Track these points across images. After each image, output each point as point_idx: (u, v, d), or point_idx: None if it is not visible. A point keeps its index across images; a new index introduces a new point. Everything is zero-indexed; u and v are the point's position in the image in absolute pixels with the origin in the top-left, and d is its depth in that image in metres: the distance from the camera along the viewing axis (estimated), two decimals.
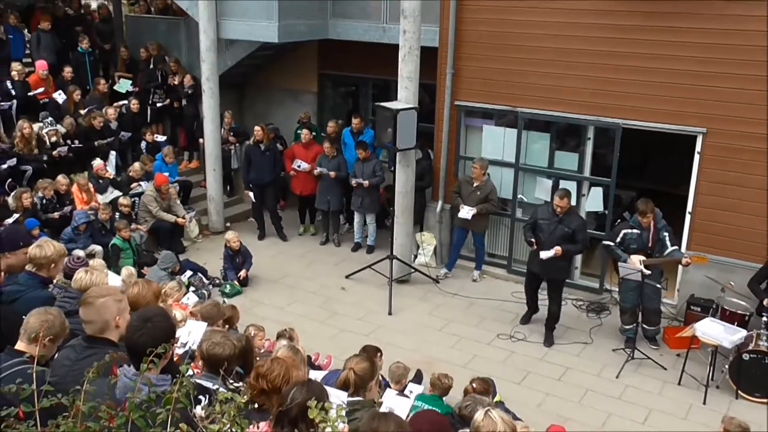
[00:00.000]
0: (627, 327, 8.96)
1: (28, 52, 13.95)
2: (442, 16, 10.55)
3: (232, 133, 13.15)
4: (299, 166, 11.94)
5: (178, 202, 11.87)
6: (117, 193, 11.63)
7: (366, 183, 11.33)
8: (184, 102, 13.69)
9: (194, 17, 12.58)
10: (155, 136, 13.12)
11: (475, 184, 10.35)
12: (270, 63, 14.06)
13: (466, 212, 10.19)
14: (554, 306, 9.00)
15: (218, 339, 3.97)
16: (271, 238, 12.38)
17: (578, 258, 10.39)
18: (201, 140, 13.09)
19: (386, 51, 11.38)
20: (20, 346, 4.01)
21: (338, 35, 12.12)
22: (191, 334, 5.21)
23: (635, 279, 8.28)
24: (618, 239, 8.54)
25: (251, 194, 12.17)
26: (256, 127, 12.08)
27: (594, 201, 9.97)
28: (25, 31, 14.33)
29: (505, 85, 10.22)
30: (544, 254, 8.61)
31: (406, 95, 9.90)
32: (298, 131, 12.96)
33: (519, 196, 10.52)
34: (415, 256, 11.19)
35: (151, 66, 14.05)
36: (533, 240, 8.77)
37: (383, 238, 11.75)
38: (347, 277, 10.79)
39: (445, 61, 10.61)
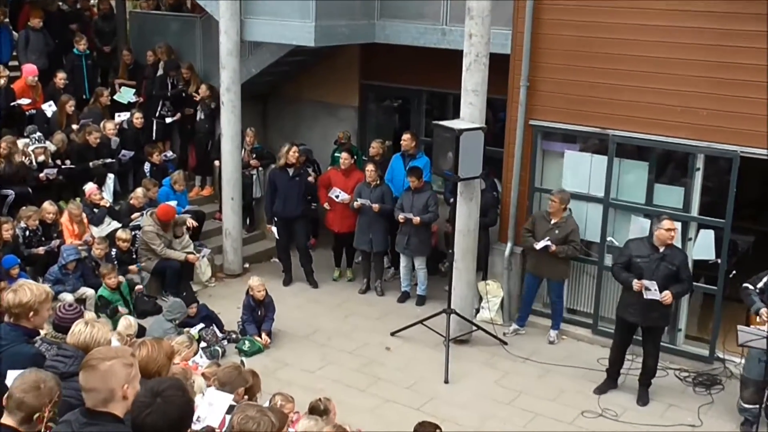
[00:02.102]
0: (748, 406, 8.67)
1: (14, 54, 14.31)
2: (515, 17, 10.56)
3: (254, 155, 13.25)
4: (336, 197, 11.95)
5: (188, 237, 11.95)
6: (115, 224, 11.75)
7: (416, 219, 11.27)
8: (198, 116, 13.87)
9: (213, 15, 12.78)
10: (162, 156, 13.29)
11: (552, 221, 10.24)
12: (302, 71, 14.19)
13: (540, 244, 10.11)
14: (651, 360, 9.16)
15: (253, 413, 3.89)
16: (299, 284, 12.38)
17: (683, 317, 10.13)
18: (216, 162, 13.20)
19: (445, 58, 11.40)
20: (7, 420, 3.95)
21: (387, 38, 12.19)
22: (212, 406, 5.12)
23: (760, 346, 8.00)
24: (761, 284, 8.36)
25: (275, 229, 12.19)
26: (285, 147, 12.11)
27: (703, 247, 9.75)
28: (11, 29, 14.71)
29: (592, 101, 10.14)
30: (651, 295, 8.62)
31: (471, 112, 9.87)
32: (335, 154, 13.03)
33: (608, 238, 10.37)
34: (478, 311, 11.10)
35: (159, 72, 14.30)
36: (634, 280, 8.73)
37: (437, 287, 11.65)
38: (393, 334, 10.70)
39: (518, 72, 10.58)
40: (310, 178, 12.61)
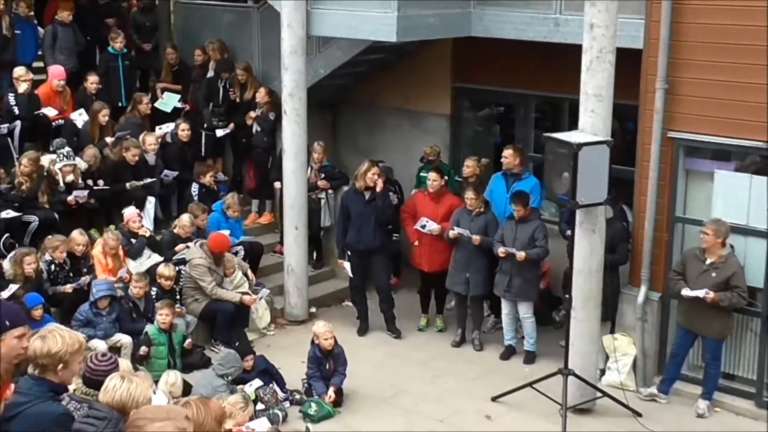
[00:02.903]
0: None
1: (40, 53, 14.67)
2: (649, 4, 10.33)
3: (322, 175, 13.25)
4: (423, 227, 11.85)
5: (241, 274, 11.96)
6: (156, 258, 11.84)
7: (521, 254, 11.08)
8: (254, 128, 13.95)
9: (274, 5, 12.89)
10: (217, 176, 13.37)
11: (708, 261, 9.94)
12: (381, 72, 14.18)
13: (694, 293, 9.82)
14: None
15: None
16: (377, 333, 12.31)
17: None
18: (277, 184, 13.24)
19: (559, 55, 11.27)
20: None
21: (485, 31, 12.10)
22: None
23: None
24: None
25: (349, 266, 12.13)
26: (364, 167, 12.04)
27: None
28: (36, 24, 15.11)
29: (751, 108, 9.81)
30: None
31: (593, 122, 9.68)
32: (422, 174, 12.93)
33: None
34: (603, 372, 10.86)
35: (210, 74, 14.43)
36: None
37: (551, 341, 11.47)
38: (494, 399, 10.51)
39: (653, 71, 10.34)
40: (391, 203, 12.52)
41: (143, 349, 10.48)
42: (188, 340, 11.00)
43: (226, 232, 12.14)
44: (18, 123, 12.77)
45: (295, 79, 12.34)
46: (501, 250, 11.21)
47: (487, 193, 12.09)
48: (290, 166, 12.53)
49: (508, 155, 11.97)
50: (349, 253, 12.11)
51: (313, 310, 12.83)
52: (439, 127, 14.02)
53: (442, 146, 13.58)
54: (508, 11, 11.86)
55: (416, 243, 12.15)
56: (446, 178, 12.38)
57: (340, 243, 12.23)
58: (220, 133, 14.16)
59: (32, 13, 14.79)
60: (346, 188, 12.82)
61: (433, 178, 12.09)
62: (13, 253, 10.82)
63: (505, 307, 11.60)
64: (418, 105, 14.10)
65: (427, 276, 12.34)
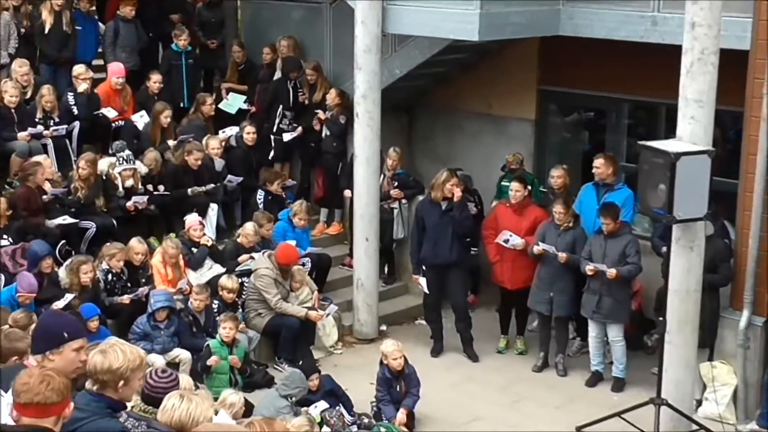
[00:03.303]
0: None
1: (100, 50, 14.96)
2: (757, 2, 10.18)
3: (396, 183, 13.29)
4: (505, 241, 11.82)
5: (308, 289, 12.06)
6: (217, 269, 11.99)
7: (612, 272, 10.99)
8: (324, 131, 14.06)
9: (348, 1, 12.93)
10: (284, 182, 13.52)
11: None
12: (460, 73, 14.19)
13: None
14: None
15: None
16: (452, 355, 12.29)
17: None
18: (347, 192, 13.31)
19: (656, 56, 11.21)
20: None
21: (575, 30, 12.04)
22: None
23: None
24: None
25: (423, 282, 12.12)
26: (443, 176, 12.00)
27: None
28: (97, 20, 15.39)
29: None
30: None
31: (693, 130, 9.57)
32: (504, 183, 12.90)
33: None
34: (700, 403, 10.73)
35: (279, 74, 14.56)
36: None
37: (642, 367, 11.35)
38: (579, 429, 10.40)
39: (760, 75, 10.20)
40: (469, 214, 12.49)
41: (213, 359, 10.57)
42: (232, 357, 10.85)
43: (293, 243, 12.25)
44: (77, 124, 13.07)
45: (369, 80, 12.39)
46: (589, 267, 11.11)
47: (576, 205, 12.00)
48: (362, 173, 12.58)
49: (599, 164, 11.85)
50: (423, 267, 12.08)
51: (384, 328, 12.86)
52: (522, 133, 13.98)
53: (525, 154, 13.51)
54: (600, 8, 11.78)
55: (496, 259, 12.12)
56: (530, 188, 12.33)
57: (415, 257, 12.21)
58: (287, 137, 14.27)
59: (93, 8, 15.08)
60: (421, 198, 12.81)
61: (515, 189, 12.03)
62: (69, 261, 11.05)
63: (592, 330, 11.50)
64: (500, 109, 14.07)
65: (507, 294, 12.29)
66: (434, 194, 11.99)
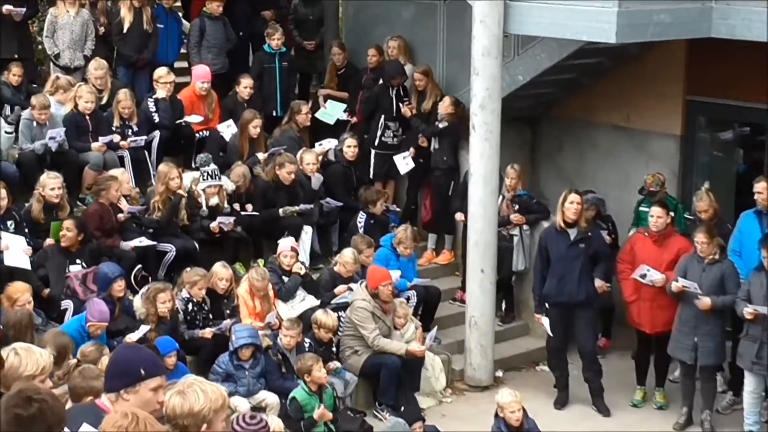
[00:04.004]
0: None
1: (183, 51, 15.18)
2: None
3: (516, 206, 13.19)
4: (642, 276, 11.64)
5: (413, 327, 12.02)
6: (311, 301, 12.02)
7: None
8: (433, 145, 14.04)
9: None
10: (385, 204, 13.53)
11: None
12: (594, 81, 14.12)
13: None
14: None
15: None
16: (579, 407, 12.17)
17: None
18: (460, 216, 13.25)
19: None
20: None
21: (730, 32, 11.80)
22: None
23: None
24: None
25: (546, 322, 12.00)
26: (569, 198, 11.85)
27: None
28: (181, 18, 15.67)
29: None
30: None
31: None
32: (643, 208, 12.73)
33: None
34: None
35: (385, 81, 14.54)
36: None
37: None
38: None
39: None
40: (603, 244, 12.35)
41: (319, 413, 10.31)
42: (318, 410, 10.48)
43: (396, 273, 12.21)
44: (157, 133, 13.30)
45: (488, 87, 12.31)
46: (749, 311, 10.84)
47: (736, 237, 11.82)
48: (477, 193, 12.48)
49: (761, 189, 11.61)
50: (547, 305, 11.97)
51: (500, 373, 12.79)
52: (665, 150, 13.82)
53: (668, 174, 13.34)
54: (759, 6, 11.51)
55: (632, 298, 11.93)
56: (672, 214, 12.12)
57: (537, 293, 12.10)
58: (402, 163, 14.04)
59: (178, 4, 15.27)
60: (545, 224, 12.71)
61: (656, 215, 11.86)
62: (146, 288, 11.16)
63: (749, 383, 11.21)
64: (640, 122, 13.94)
65: (645, 338, 12.12)
66: (559, 220, 11.88)
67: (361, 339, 11.69)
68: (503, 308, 13.55)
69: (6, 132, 12.28)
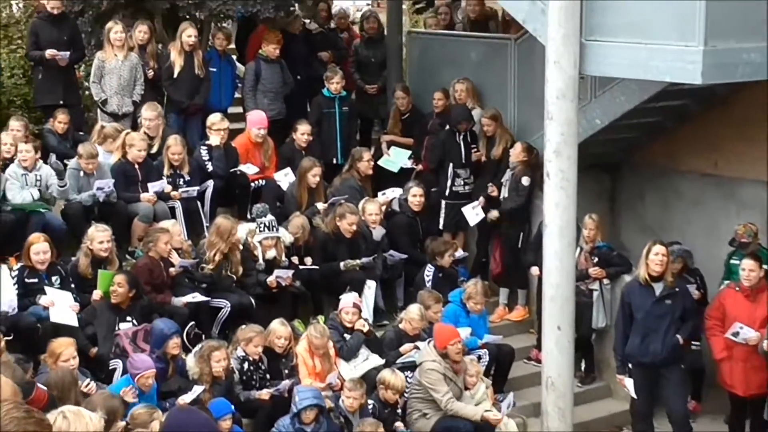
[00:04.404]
0: None
1: (238, 96, 15.34)
2: None
3: (596, 259, 13.17)
4: (735, 334, 11.56)
5: (484, 387, 11.99)
6: (375, 360, 12.03)
7: None
8: (503, 193, 14.07)
9: (536, 35, 12.93)
10: (455, 254, 13.54)
11: None
12: (678, 124, 14.11)
13: None
14: None
15: None
16: None
17: None
18: (534, 269, 13.25)
19: None
20: None
21: None
22: None
23: None
24: None
25: (630, 383, 11.89)
26: (654, 249, 11.80)
27: None
28: (235, 61, 15.85)
29: None
30: None
31: None
32: (734, 261, 12.66)
33: None
34: None
35: (452, 126, 14.60)
36: None
37: None
38: None
39: None
40: (691, 300, 12.26)
41: None
42: None
43: (467, 331, 12.21)
44: (210, 183, 13.45)
45: (563, 132, 12.26)
46: None
47: None
48: (553, 246, 12.40)
49: None
50: (630, 365, 11.87)
51: None
52: (757, 198, 13.73)
53: (761, 224, 13.22)
54: None
55: (723, 355, 11.82)
56: (766, 267, 12.02)
57: (619, 352, 11.99)
58: (471, 215, 14.13)
59: (232, 46, 15.45)
60: (627, 278, 12.65)
61: (748, 268, 11.77)
62: (200, 346, 11.22)
63: None
64: (728, 168, 13.90)
65: (739, 401, 11.99)
66: (642, 274, 11.82)
67: (430, 402, 11.64)
68: (582, 368, 13.48)
69: (59, 186, 12.43)
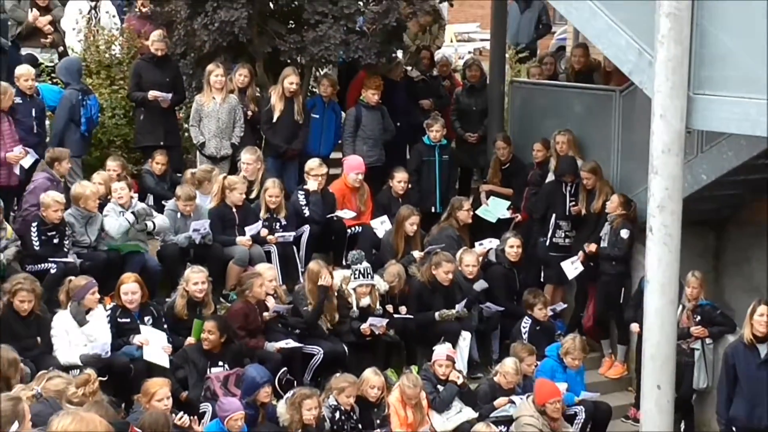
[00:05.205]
0: None
1: (339, 142, 15.36)
2: None
3: (698, 318, 12.94)
4: None
5: None
6: (469, 413, 11.86)
7: None
8: (602, 244, 13.87)
9: (643, 87, 12.77)
10: (548, 307, 13.40)
11: None
12: None
13: None
14: None
15: None
16: None
17: None
18: (634, 326, 13.03)
19: None
20: None
21: None
22: None
23: None
24: None
25: None
26: (759, 309, 11.54)
27: None
28: (339, 108, 15.84)
29: None
30: None
31: None
32: None
33: None
34: None
35: (551, 176, 14.56)
36: None
37: None
38: None
39: None
40: None
41: None
42: None
43: (563, 386, 12.03)
44: (306, 228, 13.44)
45: (667, 187, 12.05)
46: None
47: None
48: (654, 302, 12.17)
49: None
50: (734, 429, 11.56)
51: None
52: None
53: None
54: None
55: None
56: None
57: (723, 415, 11.65)
58: (571, 270, 13.94)
59: (335, 94, 15.34)
60: (731, 338, 12.38)
61: None
62: (291, 393, 11.15)
63: None
64: None
65: None
66: (745, 333, 11.54)
67: None
68: (682, 429, 13.15)
69: (128, 220, 12.45)
